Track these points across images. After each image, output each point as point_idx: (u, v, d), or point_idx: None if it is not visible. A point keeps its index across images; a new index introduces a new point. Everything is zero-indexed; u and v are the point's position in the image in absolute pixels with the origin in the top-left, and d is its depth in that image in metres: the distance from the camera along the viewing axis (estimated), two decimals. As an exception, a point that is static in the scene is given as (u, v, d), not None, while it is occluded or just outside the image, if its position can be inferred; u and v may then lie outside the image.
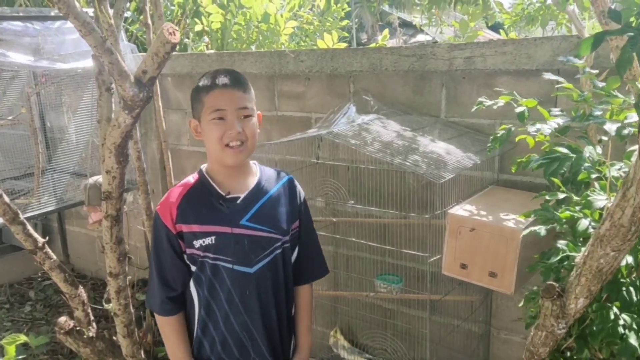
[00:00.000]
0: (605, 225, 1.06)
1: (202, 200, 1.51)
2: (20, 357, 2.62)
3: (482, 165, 2.21)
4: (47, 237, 2.17)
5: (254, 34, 4.67)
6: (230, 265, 1.50)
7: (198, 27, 4.49)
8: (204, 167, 1.57)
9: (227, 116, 1.44)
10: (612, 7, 1.54)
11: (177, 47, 4.07)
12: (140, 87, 1.44)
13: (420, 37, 10.83)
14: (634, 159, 0.94)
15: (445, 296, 2.12)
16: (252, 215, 1.51)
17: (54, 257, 2.14)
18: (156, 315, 1.59)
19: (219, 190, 1.51)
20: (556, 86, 1.45)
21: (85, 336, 2.29)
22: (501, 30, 6.64)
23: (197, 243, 1.49)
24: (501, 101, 1.44)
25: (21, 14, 2.97)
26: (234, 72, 1.50)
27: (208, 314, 1.54)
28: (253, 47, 4.61)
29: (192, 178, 1.56)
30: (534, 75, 2.17)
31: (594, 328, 1.22)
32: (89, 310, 2.31)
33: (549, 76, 1.35)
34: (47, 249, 2.12)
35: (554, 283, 1.23)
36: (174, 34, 1.38)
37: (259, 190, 1.55)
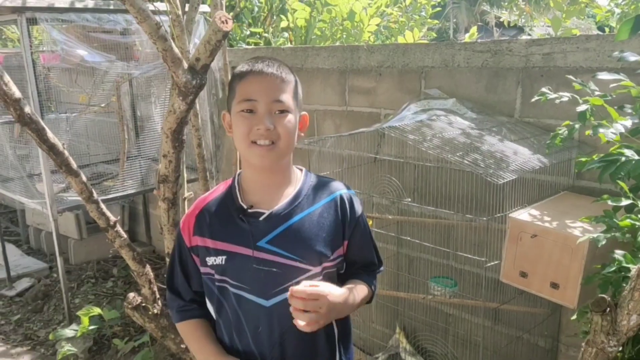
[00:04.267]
0: (660, 235, 0.94)
1: (222, 212, 1.28)
2: (92, 326, 2.82)
3: (555, 169, 2.06)
4: (119, 217, 2.30)
5: (337, 32, 4.68)
6: (241, 293, 1.26)
7: (283, 24, 4.57)
8: (239, 173, 1.35)
9: (257, 108, 1.21)
10: None
11: (261, 41, 4.17)
12: (194, 74, 1.48)
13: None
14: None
15: (503, 305, 2.01)
16: (275, 236, 1.24)
17: (124, 235, 2.27)
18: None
19: (241, 203, 1.27)
20: (611, 85, 1.31)
21: (150, 312, 2.41)
22: (606, 29, 6.19)
23: (209, 260, 1.27)
24: (566, 94, 1.32)
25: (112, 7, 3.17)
26: (276, 60, 1.27)
27: (219, 332, 1.34)
28: (337, 44, 4.62)
29: (224, 183, 1.35)
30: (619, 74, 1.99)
31: (651, 350, 1.10)
32: (155, 289, 2.42)
33: (603, 76, 1.23)
34: (118, 228, 2.25)
35: (605, 296, 1.11)
36: (227, 22, 1.41)
37: (293, 205, 1.27)
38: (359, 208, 1.36)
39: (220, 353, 1.30)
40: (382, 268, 1.48)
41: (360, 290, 1.34)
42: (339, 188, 1.35)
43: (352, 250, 1.35)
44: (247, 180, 1.30)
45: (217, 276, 1.27)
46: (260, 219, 1.25)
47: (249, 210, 1.26)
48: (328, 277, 1.30)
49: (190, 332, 1.36)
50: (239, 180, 1.32)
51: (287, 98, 1.23)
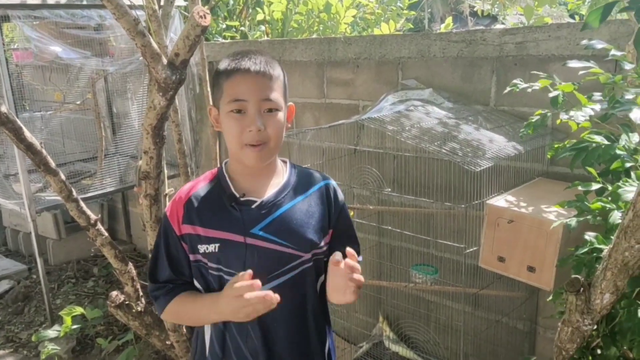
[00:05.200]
0: (628, 216, 0.99)
1: (212, 200, 1.29)
2: (75, 326, 2.80)
3: (530, 156, 2.11)
4: (100, 215, 2.29)
5: (314, 24, 4.69)
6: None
7: (259, 17, 4.56)
8: (225, 163, 1.35)
9: (247, 108, 1.21)
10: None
11: (238, 35, 4.15)
12: (173, 70, 1.48)
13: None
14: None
15: (482, 290, 2.06)
16: (268, 224, 1.27)
17: (105, 234, 2.26)
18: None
19: (233, 191, 1.28)
20: (580, 72, 1.35)
21: (134, 310, 2.41)
22: (577, 17, 6.29)
23: (201, 248, 1.27)
24: (537, 84, 1.36)
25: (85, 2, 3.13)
26: (262, 54, 1.25)
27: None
28: (314, 37, 4.63)
29: (209, 174, 1.36)
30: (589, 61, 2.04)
31: (623, 326, 1.15)
32: (138, 286, 2.42)
33: (573, 64, 1.27)
34: (99, 226, 2.24)
35: (579, 277, 1.16)
36: (205, 17, 1.41)
37: (282, 195, 1.30)
38: (342, 197, 1.40)
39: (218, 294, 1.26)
40: (360, 258, 1.47)
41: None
42: (323, 178, 1.39)
43: (336, 239, 1.38)
44: (236, 172, 1.32)
45: (210, 264, 1.27)
46: (253, 206, 1.27)
47: (241, 199, 1.27)
48: (316, 265, 1.34)
49: (183, 302, 1.31)
50: (227, 170, 1.33)
51: (276, 96, 1.24)
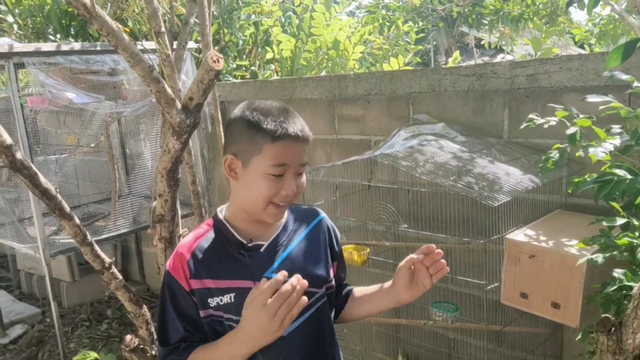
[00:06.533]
0: (660, 253, 0.95)
1: (218, 251, 1.25)
2: (90, 372, 2.75)
3: (547, 188, 2.09)
4: (114, 258, 2.28)
5: (323, 61, 4.75)
6: None
7: (269, 55, 4.63)
8: (220, 211, 1.32)
9: (287, 173, 1.21)
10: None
11: (248, 74, 4.22)
12: (187, 114, 1.49)
13: (501, 58, 10.54)
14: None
15: (506, 327, 2.00)
16: (279, 265, 1.25)
17: (120, 277, 2.24)
18: None
19: (239, 238, 1.26)
20: (600, 107, 1.34)
21: (148, 354, 2.37)
22: (586, 46, 6.33)
23: (212, 302, 1.22)
24: (554, 119, 1.35)
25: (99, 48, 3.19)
26: (296, 115, 1.26)
27: None
28: (323, 73, 4.68)
29: (205, 225, 1.31)
30: (604, 92, 2.03)
31: (658, 368, 1.10)
32: (153, 329, 2.39)
33: (592, 98, 1.26)
34: (114, 269, 2.22)
35: (609, 316, 1.12)
36: (218, 62, 1.43)
37: (286, 234, 1.30)
38: (337, 230, 1.44)
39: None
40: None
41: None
42: (318, 213, 1.42)
43: (338, 270, 1.43)
44: (240, 219, 1.29)
45: (227, 315, 1.22)
46: (261, 250, 1.26)
47: (249, 245, 1.26)
48: (329, 299, 1.35)
49: (202, 353, 1.22)
50: (225, 218, 1.30)
51: (307, 158, 1.26)
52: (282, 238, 1.29)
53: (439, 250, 1.27)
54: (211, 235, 1.28)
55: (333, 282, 1.37)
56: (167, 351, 1.25)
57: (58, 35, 4.92)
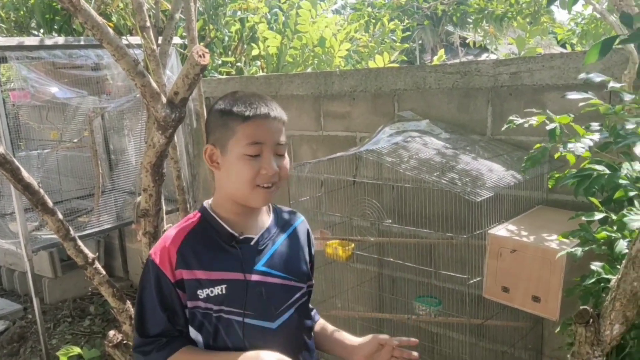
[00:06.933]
0: (636, 246, 0.98)
1: (208, 242, 1.26)
2: (73, 368, 2.74)
3: (529, 184, 2.12)
4: (97, 254, 2.27)
5: (309, 58, 4.75)
6: (246, 320, 1.24)
7: (255, 52, 4.62)
8: (207, 204, 1.33)
9: (263, 152, 1.22)
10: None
11: (233, 70, 4.20)
12: (172, 108, 1.49)
13: (486, 57, 10.63)
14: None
15: (487, 321, 2.03)
16: (269, 258, 1.29)
17: (103, 272, 2.23)
18: None
19: (231, 230, 1.27)
20: (579, 104, 1.37)
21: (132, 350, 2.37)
22: (568, 46, 6.41)
23: (202, 293, 1.23)
24: (533, 119, 1.37)
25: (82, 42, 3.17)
26: (272, 100, 1.29)
27: None
28: (309, 70, 4.68)
29: (191, 217, 1.31)
30: (585, 90, 2.07)
31: (634, 357, 1.13)
32: (137, 325, 2.39)
33: (572, 95, 1.28)
34: (97, 265, 2.21)
35: (588, 308, 1.14)
36: (204, 57, 1.42)
37: (274, 230, 1.34)
38: (311, 232, 1.48)
39: (238, 353, 1.21)
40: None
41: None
42: (299, 216, 1.46)
43: (312, 271, 1.46)
44: (229, 211, 1.29)
45: (216, 307, 1.24)
46: (252, 243, 1.28)
47: (240, 237, 1.27)
48: (309, 295, 1.42)
49: (191, 355, 1.24)
50: (214, 211, 1.30)
51: (285, 139, 1.28)
52: (271, 233, 1.33)
53: (416, 354, 1.30)
54: (199, 227, 1.28)
55: (313, 282, 1.43)
56: (145, 342, 1.24)
57: (42, 30, 4.86)
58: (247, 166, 1.21)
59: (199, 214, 1.31)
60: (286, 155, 1.29)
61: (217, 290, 1.23)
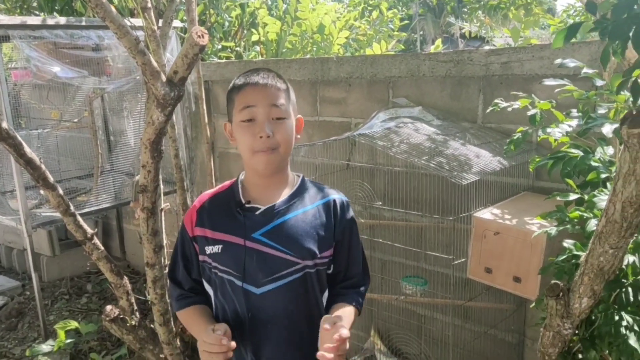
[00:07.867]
0: (602, 222, 1.05)
1: (223, 206, 1.40)
2: (69, 340, 2.82)
3: (516, 171, 2.19)
4: (96, 230, 2.33)
5: (308, 45, 4.80)
6: (235, 280, 1.35)
7: (254, 38, 4.67)
8: (243, 173, 1.46)
9: (257, 115, 1.29)
10: None
11: (233, 55, 4.24)
12: (172, 87, 1.54)
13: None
14: (619, 153, 0.94)
15: (470, 301, 2.11)
16: (268, 230, 1.35)
17: (102, 248, 2.29)
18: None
19: (241, 197, 1.39)
20: (555, 90, 1.43)
21: (128, 324, 2.44)
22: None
23: (208, 249, 1.38)
24: (517, 103, 1.44)
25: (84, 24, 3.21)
26: (270, 71, 1.36)
27: (221, 313, 1.42)
28: (307, 57, 4.73)
29: (229, 182, 1.46)
30: (572, 80, 2.13)
31: (602, 330, 1.20)
32: (133, 300, 2.45)
33: (549, 82, 1.35)
34: (96, 240, 2.28)
35: (558, 282, 1.22)
36: (203, 37, 1.48)
37: (288, 204, 1.38)
38: (350, 215, 1.46)
39: (209, 324, 1.33)
40: (367, 285, 1.55)
41: (349, 316, 1.39)
42: (333, 193, 1.45)
43: (339, 254, 1.43)
44: (250, 181, 1.42)
45: (213, 264, 1.38)
46: (257, 213, 1.37)
47: (247, 205, 1.37)
48: (318, 274, 1.40)
49: (189, 317, 1.44)
50: (242, 179, 1.44)
51: (283, 103, 1.33)
52: (282, 206, 1.38)
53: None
54: (225, 192, 1.44)
55: (326, 261, 1.40)
56: (173, 287, 1.48)
57: (43, 13, 4.88)
58: (244, 132, 1.31)
59: (232, 181, 1.45)
60: (289, 122, 1.34)
61: (215, 248, 1.36)
